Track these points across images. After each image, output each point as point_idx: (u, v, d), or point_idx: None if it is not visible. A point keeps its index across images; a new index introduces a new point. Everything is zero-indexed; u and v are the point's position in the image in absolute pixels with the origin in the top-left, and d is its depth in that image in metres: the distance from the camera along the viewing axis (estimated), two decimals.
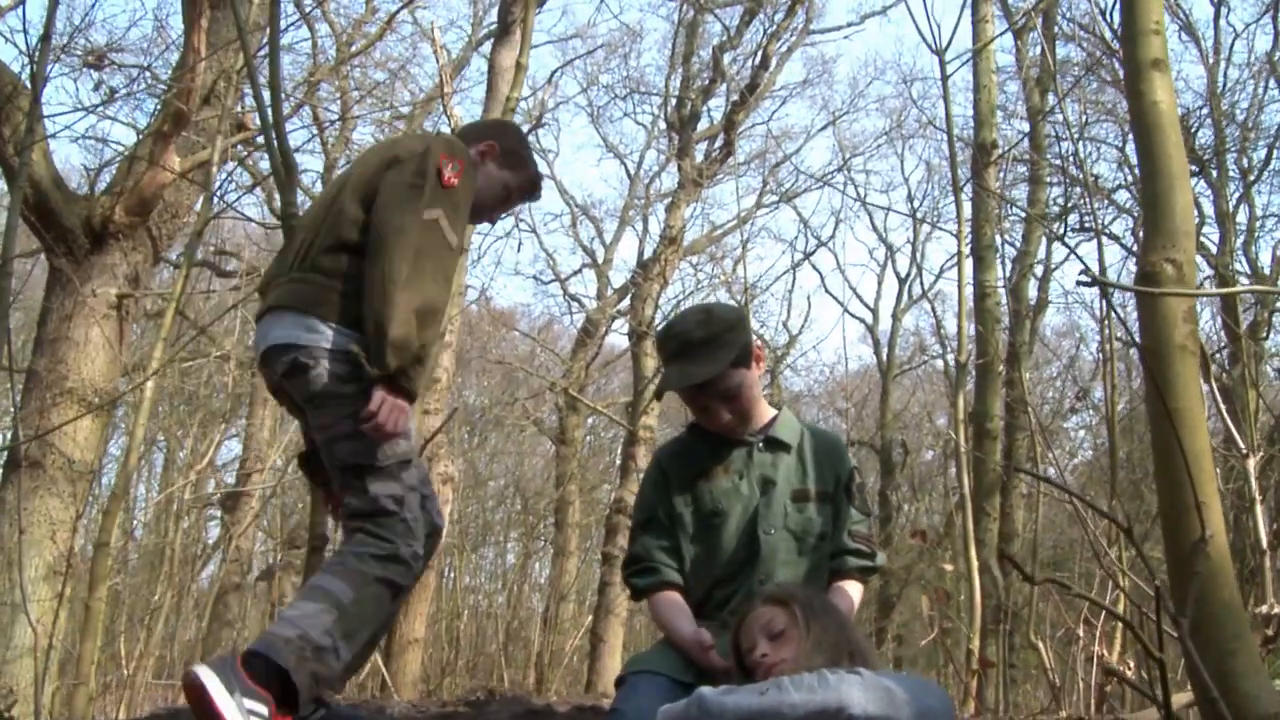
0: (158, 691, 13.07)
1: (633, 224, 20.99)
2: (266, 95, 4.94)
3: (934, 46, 6.42)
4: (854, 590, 3.29)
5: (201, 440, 18.55)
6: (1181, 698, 4.32)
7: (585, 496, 16.52)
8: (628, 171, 22.02)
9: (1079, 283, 3.27)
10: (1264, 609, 5.56)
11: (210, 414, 15.78)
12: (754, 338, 3.34)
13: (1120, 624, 6.84)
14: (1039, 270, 16.49)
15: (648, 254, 17.50)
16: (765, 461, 3.30)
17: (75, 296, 8.02)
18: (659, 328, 3.82)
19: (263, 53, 5.46)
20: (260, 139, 9.82)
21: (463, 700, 5.41)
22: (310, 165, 18.34)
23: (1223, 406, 6.03)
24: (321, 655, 2.92)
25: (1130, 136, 14.88)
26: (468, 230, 3.42)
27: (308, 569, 4.73)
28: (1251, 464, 6.28)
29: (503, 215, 3.62)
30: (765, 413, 3.38)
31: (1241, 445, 6.20)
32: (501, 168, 3.55)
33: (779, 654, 2.72)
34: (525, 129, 18.40)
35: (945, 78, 6.55)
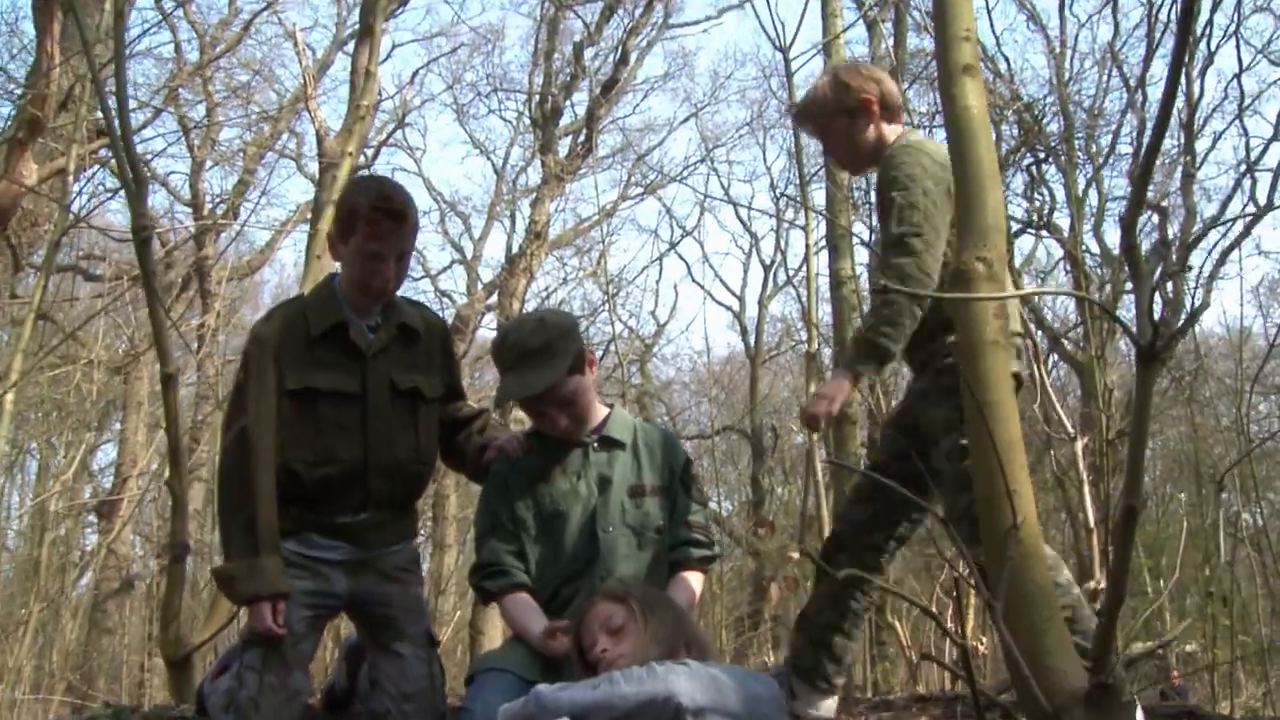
0: (36, 706, 12.90)
1: (500, 219, 21.18)
2: (113, 104, 5.05)
3: (777, 43, 6.81)
4: (695, 580, 3.38)
5: (74, 448, 18.30)
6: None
7: (462, 490, 16.65)
8: (494, 168, 22.21)
9: (873, 291, 3.41)
10: (1091, 584, 5.95)
11: (80, 421, 15.60)
12: (584, 342, 3.44)
13: (971, 602, 7.24)
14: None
15: (516, 249, 17.73)
16: (601, 460, 3.39)
17: None
18: (494, 336, 3.91)
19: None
20: None
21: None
22: (177, 169, 18.20)
23: (1052, 394, 6.41)
24: None
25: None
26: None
27: (170, 579, 4.80)
28: (1078, 447, 6.71)
29: (387, 259, 3.31)
30: (599, 413, 3.47)
31: (1069, 429, 6.60)
32: (346, 239, 3.32)
33: (618, 649, 2.81)
34: (390, 128, 18.54)
35: (790, 74, 6.94)
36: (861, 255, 11.42)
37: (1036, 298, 14.52)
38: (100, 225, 10.95)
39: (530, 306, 18.94)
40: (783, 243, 20.56)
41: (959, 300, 2.81)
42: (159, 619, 3.55)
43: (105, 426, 19.10)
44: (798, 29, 9.24)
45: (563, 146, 18.12)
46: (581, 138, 17.63)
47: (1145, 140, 15.70)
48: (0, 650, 11.11)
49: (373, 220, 3.23)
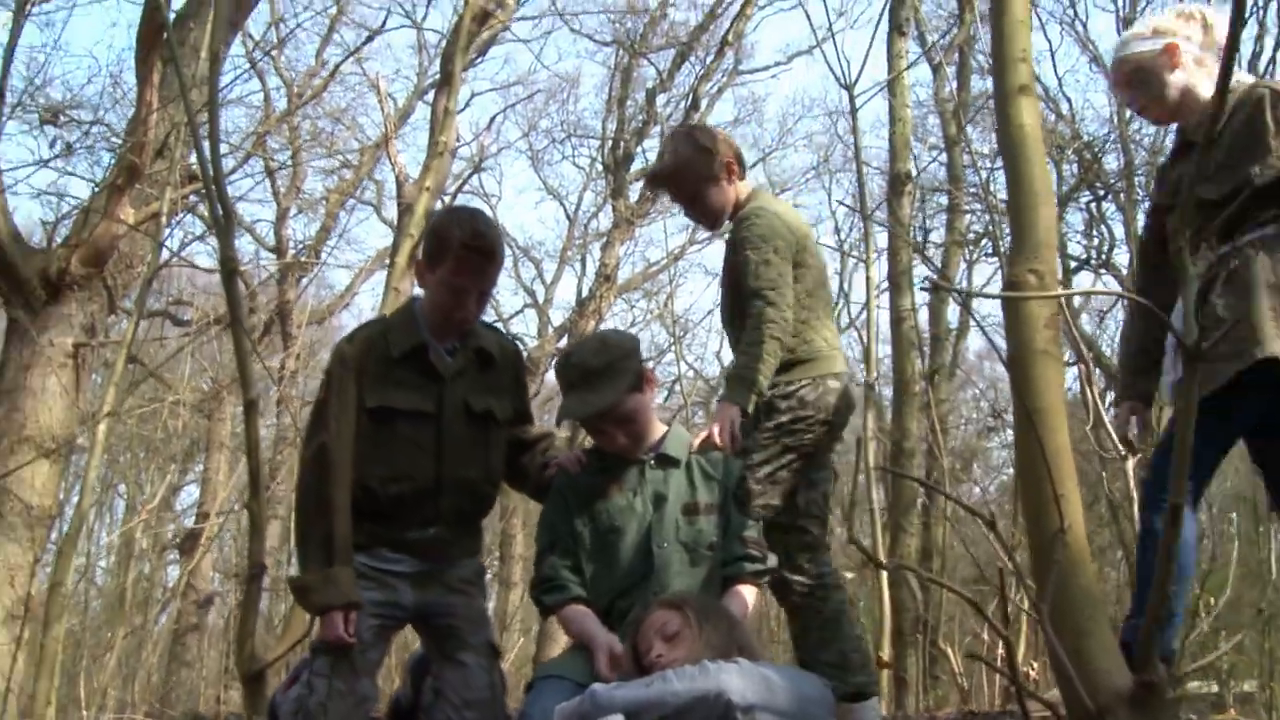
0: None
1: (571, 264, 21.44)
2: (206, 145, 5.32)
3: (842, 81, 6.95)
4: (748, 593, 3.44)
5: (158, 484, 18.74)
6: None
7: (529, 530, 16.84)
8: (566, 213, 22.50)
9: (923, 288, 3.64)
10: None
11: (167, 459, 16.03)
12: (645, 362, 3.58)
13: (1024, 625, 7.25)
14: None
15: (586, 292, 17.96)
16: (657, 478, 3.46)
17: (33, 346, 8.29)
18: (558, 357, 4.13)
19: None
20: None
21: None
22: (263, 215, 18.69)
23: (1104, 414, 6.44)
24: None
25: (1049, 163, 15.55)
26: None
27: (246, 598, 4.95)
28: (1130, 465, 6.72)
29: (472, 293, 3.45)
30: (657, 431, 3.56)
31: (1120, 449, 6.60)
32: (434, 268, 3.44)
33: (673, 654, 2.88)
34: (467, 173, 18.91)
35: (855, 110, 7.07)
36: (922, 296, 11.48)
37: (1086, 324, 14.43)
38: (190, 263, 11.33)
39: None
40: (846, 285, 20.54)
41: (1009, 310, 2.94)
42: (235, 636, 3.71)
43: (189, 468, 19.54)
44: (862, 67, 9.42)
45: (634, 191, 18.34)
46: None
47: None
48: (87, 677, 11.40)
49: (463, 256, 3.37)
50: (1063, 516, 2.48)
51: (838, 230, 21.05)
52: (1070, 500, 2.63)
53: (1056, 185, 15.23)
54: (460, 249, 3.36)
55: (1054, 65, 20.92)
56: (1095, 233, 16.69)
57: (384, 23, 16.33)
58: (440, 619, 3.49)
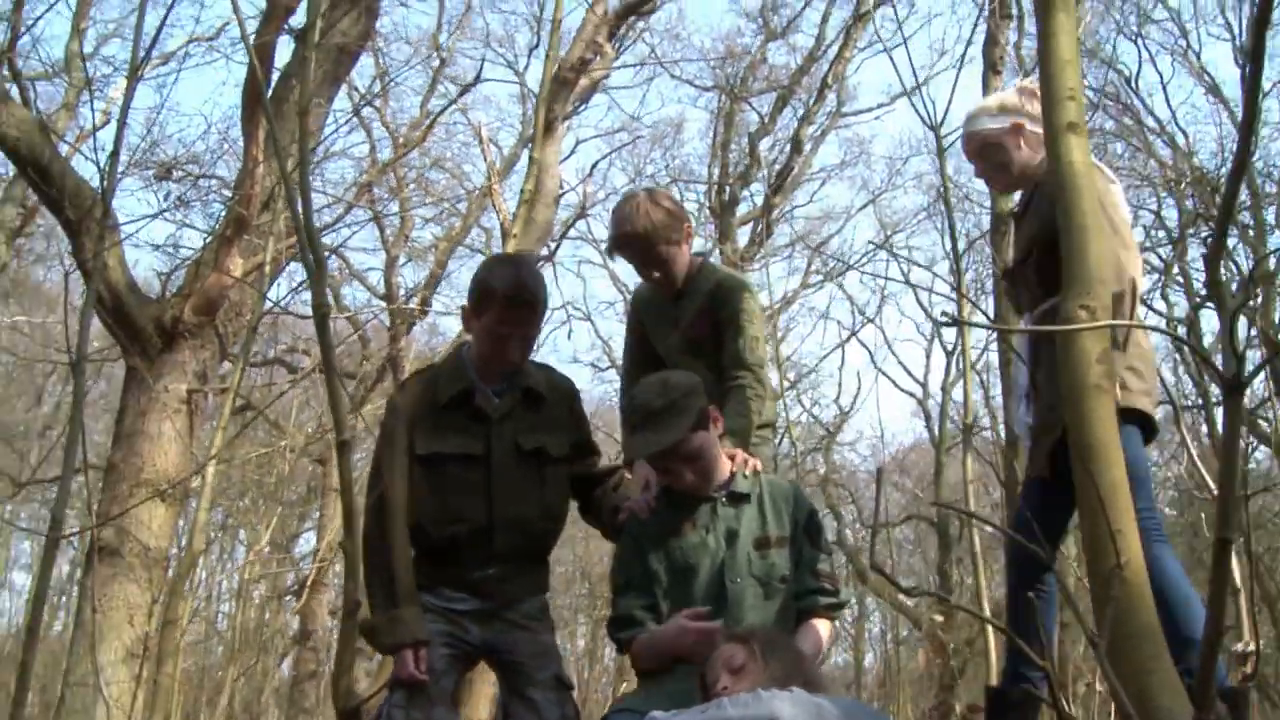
0: None
1: None
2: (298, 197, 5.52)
3: (929, 121, 6.93)
4: (822, 627, 3.49)
5: (279, 532, 19.20)
6: None
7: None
8: None
9: (937, 322, 3.75)
10: (1239, 647, 5.76)
11: (280, 503, 16.43)
12: (707, 400, 3.61)
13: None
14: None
15: None
16: (729, 514, 3.52)
17: (149, 393, 8.60)
18: (622, 400, 4.35)
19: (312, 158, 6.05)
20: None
21: None
22: (373, 263, 19.13)
23: (1193, 450, 6.31)
24: None
25: (1161, 197, 15.25)
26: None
27: (342, 635, 5.07)
28: None
29: (514, 339, 3.59)
30: (726, 468, 3.61)
31: (1212, 486, 6.40)
32: (478, 316, 3.58)
33: (738, 686, 2.90)
34: (572, 219, 19.15)
35: (942, 151, 7.02)
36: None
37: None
38: (289, 312, 11.68)
39: None
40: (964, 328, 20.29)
41: (1062, 346, 2.92)
42: (332, 673, 3.84)
43: (308, 513, 19.97)
44: (947, 109, 9.38)
45: (742, 235, 18.40)
46: (758, 226, 17.87)
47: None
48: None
49: (505, 305, 3.50)
50: (1119, 552, 2.48)
51: (954, 271, 20.82)
52: (1128, 536, 2.60)
53: (1176, 219, 14.91)
54: (502, 298, 3.49)
55: (1166, 98, 20.40)
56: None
57: (478, 77, 16.58)
58: (505, 655, 3.56)
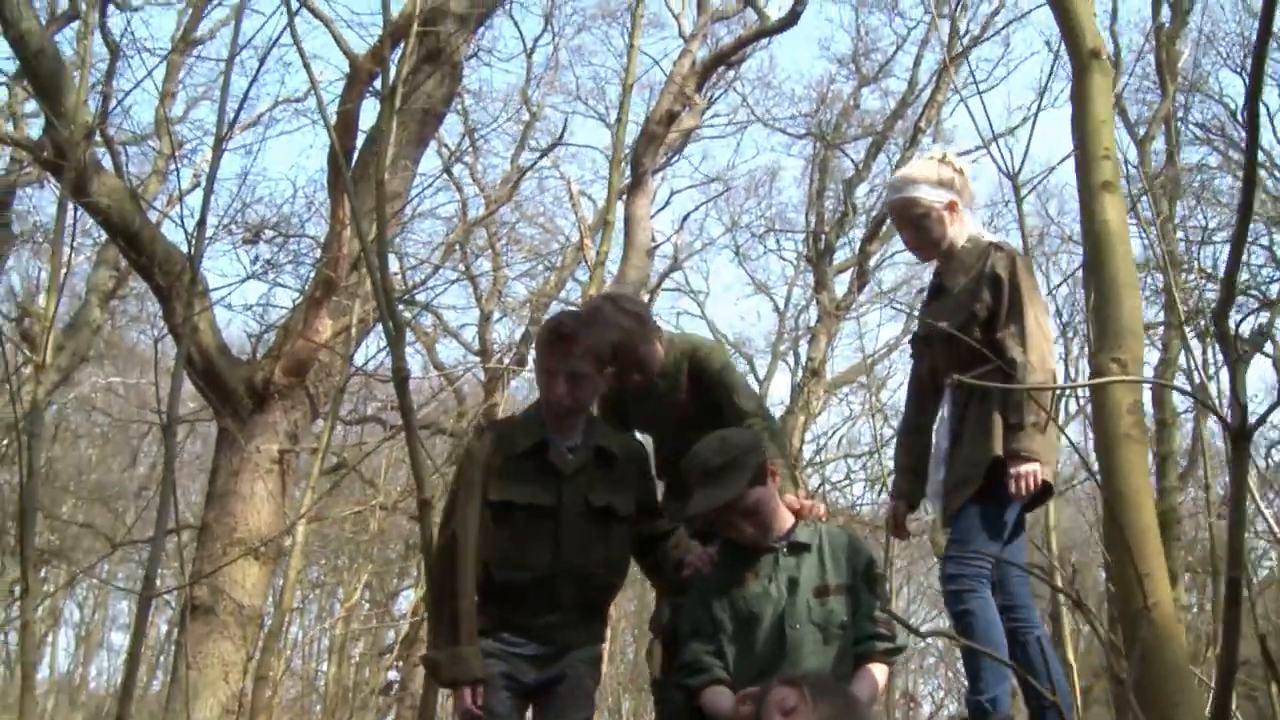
0: None
1: (784, 358, 21.41)
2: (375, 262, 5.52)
3: (1006, 169, 6.74)
4: (879, 672, 3.64)
5: (378, 589, 19.34)
6: None
7: None
8: (775, 307, 22.54)
9: (948, 384, 3.81)
10: None
11: (372, 560, 16.55)
12: (767, 456, 3.78)
13: None
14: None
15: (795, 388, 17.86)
16: (790, 564, 3.69)
17: (241, 454, 8.72)
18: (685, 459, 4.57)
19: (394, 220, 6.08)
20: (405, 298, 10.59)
21: None
22: (468, 319, 19.27)
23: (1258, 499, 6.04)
24: None
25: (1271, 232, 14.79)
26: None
27: (426, 686, 5.10)
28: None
29: (558, 374, 3.77)
30: (786, 520, 3.78)
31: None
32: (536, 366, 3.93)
33: None
34: (667, 268, 19.11)
35: (1020, 200, 6.84)
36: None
37: None
38: (373, 375, 11.81)
39: (810, 447, 18.88)
40: (1073, 371, 19.78)
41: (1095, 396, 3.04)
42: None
43: (405, 572, 20.10)
44: (1024, 157, 9.05)
45: (841, 283, 18.25)
46: (855, 274, 17.69)
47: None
48: None
49: (541, 343, 3.80)
50: (1146, 594, 2.66)
51: (1058, 314, 20.45)
52: (1156, 578, 2.78)
53: None
54: (540, 337, 3.84)
55: (1274, 130, 19.77)
56: None
57: (561, 135, 16.71)
58: (544, 695, 3.71)
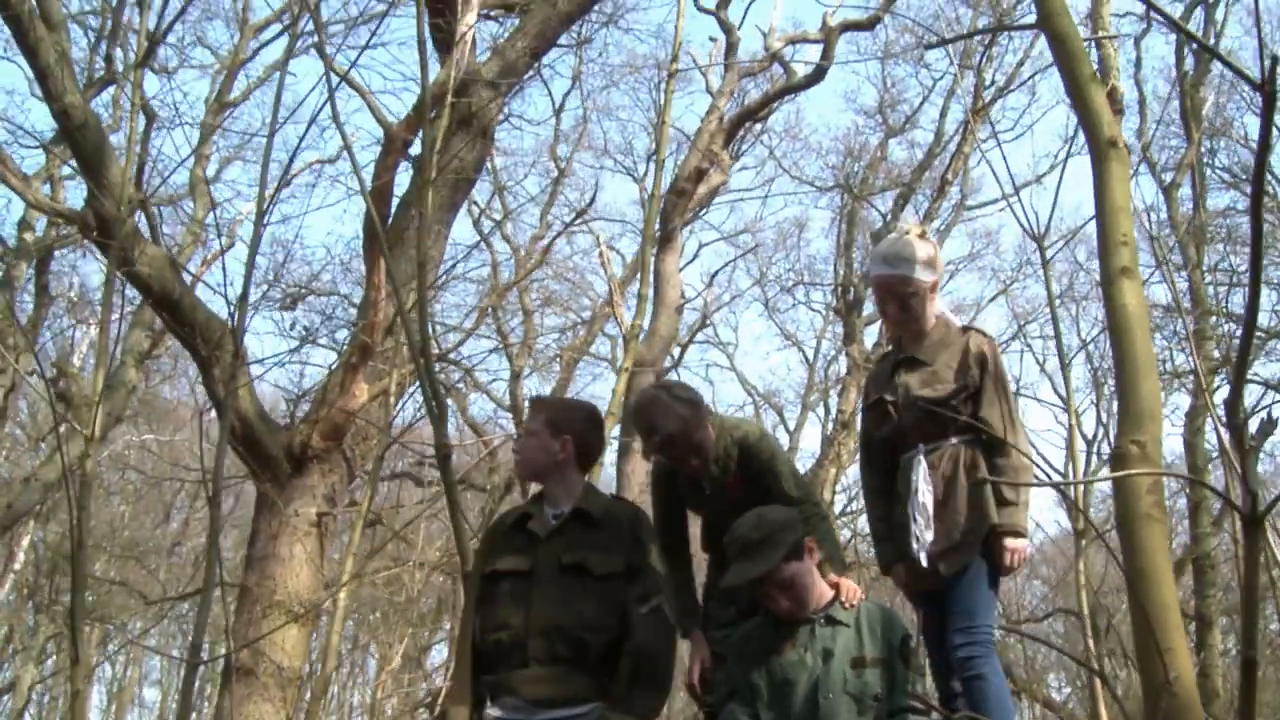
0: None
1: (814, 409, 21.43)
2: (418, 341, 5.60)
3: (1030, 230, 6.82)
4: None
5: (412, 645, 19.33)
6: None
7: None
8: (805, 358, 22.58)
9: (970, 484, 3.94)
10: None
11: (410, 620, 16.59)
12: (803, 534, 3.95)
13: None
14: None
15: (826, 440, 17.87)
16: (826, 635, 3.86)
17: (279, 517, 8.79)
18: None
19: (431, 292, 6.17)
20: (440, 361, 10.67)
21: None
22: (500, 375, 19.39)
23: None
24: None
25: None
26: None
27: None
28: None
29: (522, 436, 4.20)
30: (824, 593, 3.97)
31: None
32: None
33: None
34: (697, 323, 19.17)
35: (1045, 262, 6.91)
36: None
37: None
38: (413, 442, 11.90)
39: (840, 498, 18.85)
40: (1104, 416, 19.73)
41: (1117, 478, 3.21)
42: None
43: (438, 626, 20.11)
44: (1050, 217, 9.14)
45: (870, 334, 18.26)
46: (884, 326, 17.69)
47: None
48: None
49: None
50: (1168, 669, 2.74)
51: (1089, 360, 20.43)
52: (1177, 653, 2.84)
53: None
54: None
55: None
56: None
57: (593, 199, 16.87)
58: None
